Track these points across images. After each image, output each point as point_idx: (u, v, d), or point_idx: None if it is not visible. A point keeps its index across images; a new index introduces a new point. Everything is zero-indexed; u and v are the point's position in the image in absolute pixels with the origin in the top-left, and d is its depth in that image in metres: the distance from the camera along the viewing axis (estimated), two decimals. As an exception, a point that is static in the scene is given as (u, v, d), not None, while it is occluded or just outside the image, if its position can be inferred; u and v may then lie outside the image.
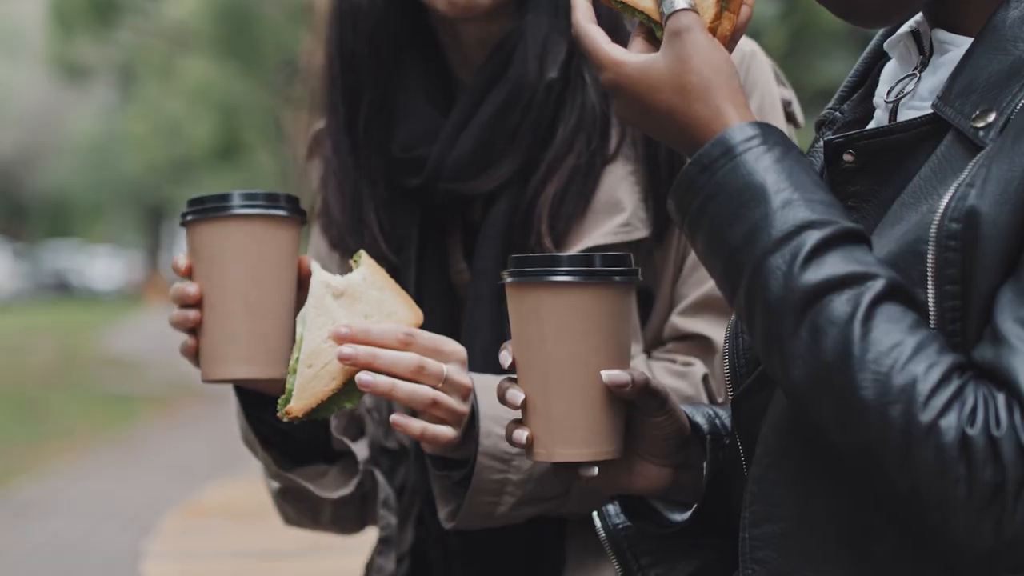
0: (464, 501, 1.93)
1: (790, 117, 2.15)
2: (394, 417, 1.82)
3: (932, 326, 1.36)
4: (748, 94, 2.07)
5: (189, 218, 1.92)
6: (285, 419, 1.78)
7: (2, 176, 45.86)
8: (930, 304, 1.37)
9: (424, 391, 1.78)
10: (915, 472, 1.30)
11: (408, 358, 1.77)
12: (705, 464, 1.66)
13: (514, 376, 1.64)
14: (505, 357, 1.64)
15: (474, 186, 2.08)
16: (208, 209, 1.91)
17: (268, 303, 1.91)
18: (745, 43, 2.13)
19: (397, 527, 2.15)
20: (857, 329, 1.34)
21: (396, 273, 1.95)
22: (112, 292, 48.08)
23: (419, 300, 1.93)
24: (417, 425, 1.81)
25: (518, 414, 1.66)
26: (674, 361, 2.04)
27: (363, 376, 1.75)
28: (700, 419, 1.68)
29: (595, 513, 1.75)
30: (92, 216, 52.21)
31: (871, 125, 1.58)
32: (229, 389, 2.11)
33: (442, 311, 2.12)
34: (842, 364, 1.34)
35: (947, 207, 1.36)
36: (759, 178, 1.41)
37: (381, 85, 2.14)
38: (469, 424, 1.88)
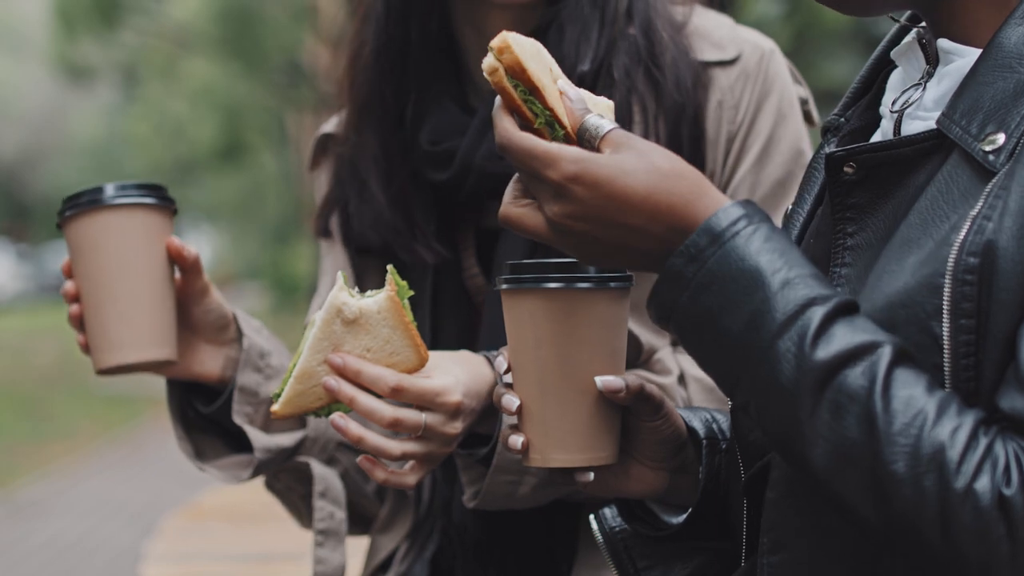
0: (484, 482, 1.93)
1: (807, 116, 2.15)
2: (360, 460, 1.80)
3: (946, 359, 1.36)
4: (767, 92, 2.08)
5: (64, 215, 1.99)
6: (272, 415, 1.78)
7: (5, 177, 45.91)
8: (944, 338, 1.36)
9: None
10: (956, 537, 1.30)
11: (384, 410, 1.75)
12: (701, 469, 1.65)
13: (511, 382, 1.63)
14: (501, 363, 1.63)
15: (507, 167, 2.07)
16: (70, 206, 1.98)
17: (132, 290, 1.96)
18: (763, 41, 2.13)
19: (344, 521, 2.13)
20: (878, 402, 1.32)
21: (424, 278, 1.95)
22: (115, 293, 48.06)
23: (436, 305, 1.93)
24: (380, 475, 1.80)
25: None
26: None
27: (329, 381, 1.74)
28: (697, 424, 1.67)
29: (592, 516, 1.75)
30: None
31: (876, 135, 1.57)
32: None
33: (459, 316, 2.12)
34: (869, 439, 1.32)
35: (964, 240, 1.36)
36: (752, 262, 1.38)
37: (423, 81, 2.14)
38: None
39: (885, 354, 1.34)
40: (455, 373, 1.83)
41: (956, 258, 1.35)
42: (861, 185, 1.48)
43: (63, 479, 11.62)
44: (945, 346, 1.35)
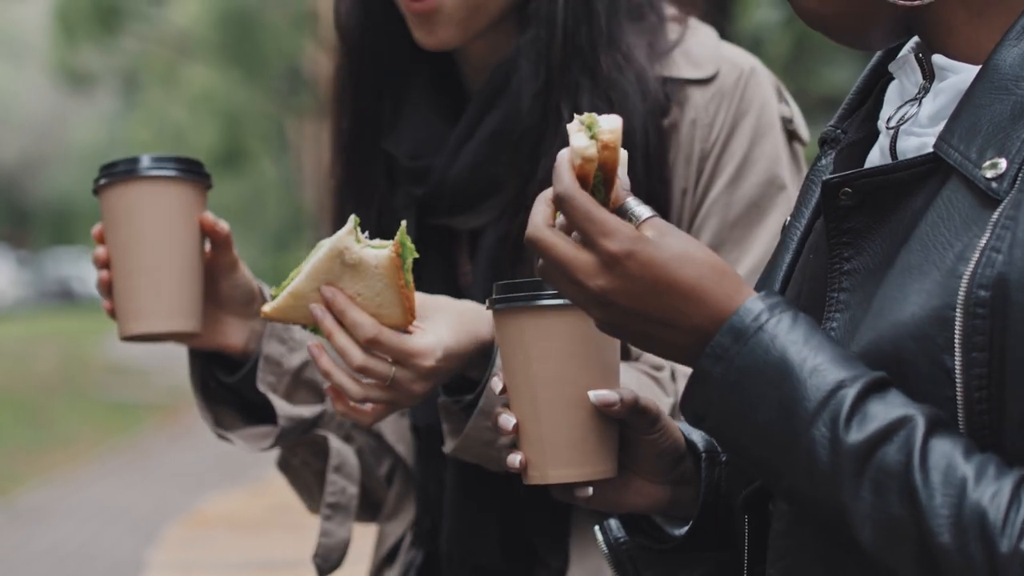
0: (466, 426, 1.94)
1: (791, 135, 2.13)
2: (326, 387, 1.88)
3: (959, 393, 1.36)
4: (743, 112, 2.08)
5: (100, 183, 2.02)
6: (261, 314, 1.87)
7: (6, 183, 45.93)
8: (957, 371, 1.35)
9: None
10: None
11: (355, 354, 1.82)
12: (701, 482, 1.65)
13: (507, 402, 1.64)
14: (496, 383, 1.64)
15: (467, 219, 2.12)
16: (106, 175, 2.01)
17: (164, 261, 2.00)
18: (744, 60, 2.12)
19: (356, 497, 2.15)
20: (917, 475, 1.33)
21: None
22: (116, 299, 48.08)
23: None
24: (340, 407, 1.88)
25: None
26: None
27: (315, 308, 1.82)
28: (696, 437, 1.67)
29: (597, 528, 1.75)
30: (96, 223, 52.17)
31: (873, 150, 1.56)
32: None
33: None
34: (913, 514, 1.33)
35: (974, 273, 1.35)
36: (778, 355, 1.39)
37: (392, 95, 2.17)
38: (485, 350, 1.91)
39: (919, 426, 1.34)
40: (440, 334, 1.87)
41: (967, 291, 1.35)
42: (858, 210, 1.47)
43: (64, 486, 11.62)
44: (958, 380, 1.35)
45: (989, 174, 1.38)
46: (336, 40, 2.22)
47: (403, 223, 1.81)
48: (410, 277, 1.81)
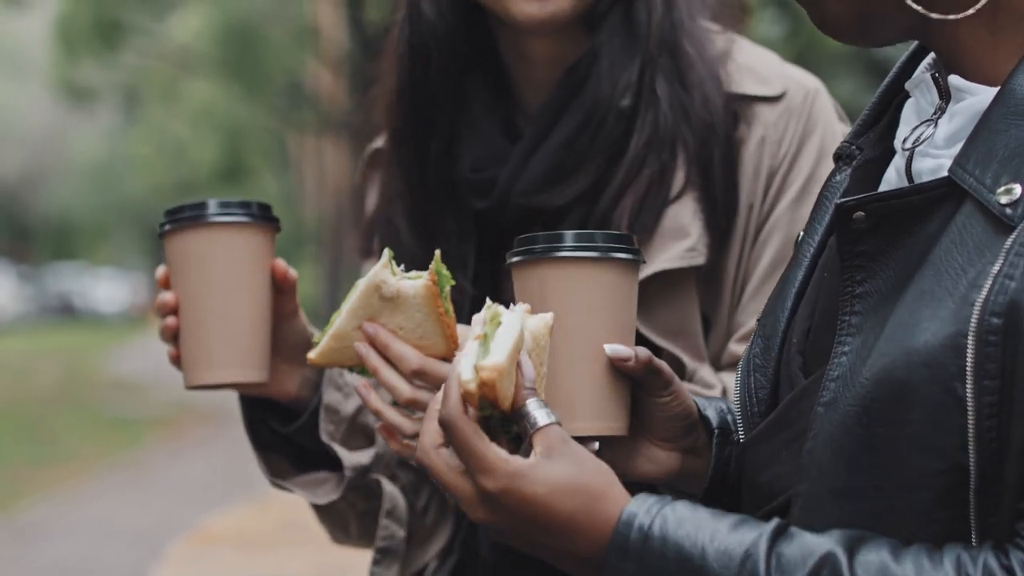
0: None
1: None
2: (378, 427, 1.87)
3: (970, 420, 1.35)
4: (810, 130, 2.10)
5: (165, 228, 1.97)
6: (308, 361, 1.85)
7: (7, 198, 45.94)
8: (968, 399, 1.35)
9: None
10: None
11: (404, 387, 1.81)
12: (711, 459, 1.67)
13: None
14: None
15: (546, 199, 2.10)
16: (177, 219, 1.96)
17: (236, 309, 1.95)
18: (809, 80, 2.15)
19: (404, 540, 2.16)
20: None
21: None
22: (116, 314, 48.13)
23: None
24: (395, 445, 1.87)
25: None
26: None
27: (359, 346, 1.81)
28: (711, 412, 1.69)
29: None
30: (96, 238, 52.30)
31: (889, 170, 1.56)
32: (236, 411, 2.13)
33: None
34: None
35: (986, 300, 1.35)
36: (673, 552, 1.40)
37: (451, 112, 2.16)
38: None
39: (840, 556, 1.35)
40: None
41: (979, 318, 1.35)
42: (871, 233, 1.47)
43: (65, 501, 11.60)
44: (969, 407, 1.35)
45: (1004, 200, 1.38)
46: (402, 50, 2.17)
47: (437, 252, 1.80)
48: (449, 305, 1.80)
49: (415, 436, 1.84)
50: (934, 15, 1.46)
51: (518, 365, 1.50)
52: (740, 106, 2.10)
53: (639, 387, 1.64)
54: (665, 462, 1.68)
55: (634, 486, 1.73)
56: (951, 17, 1.46)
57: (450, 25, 2.13)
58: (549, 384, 1.62)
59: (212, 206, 1.95)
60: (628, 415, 1.65)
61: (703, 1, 2.16)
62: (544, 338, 1.56)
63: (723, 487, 1.67)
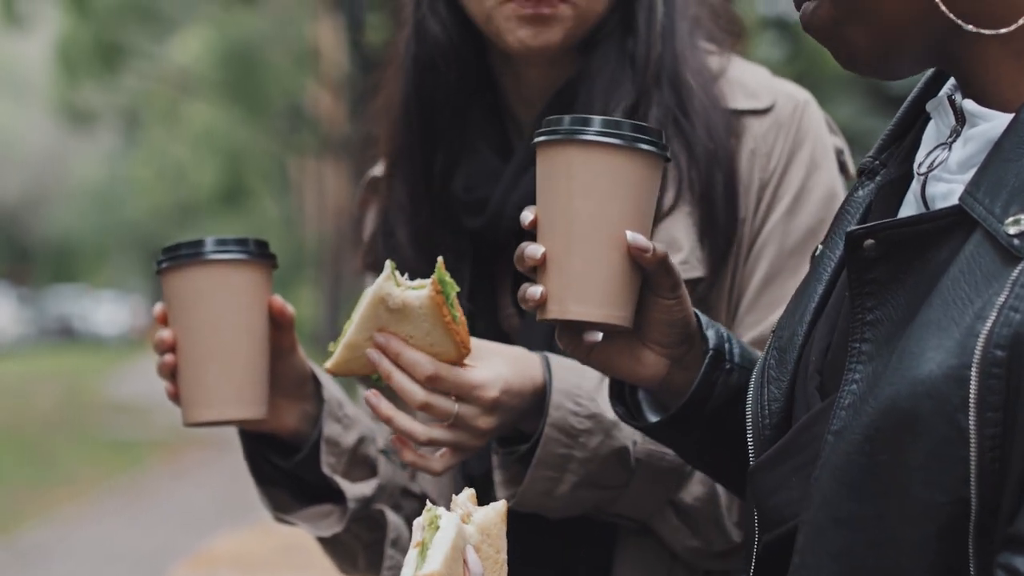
0: (525, 477, 1.94)
1: (842, 166, 2.15)
2: (391, 439, 1.88)
3: (972, 453, 1.34)
4: (800, 142, 2.10)
5: (162, 266, 1.98)
6: (325, 370, 1.87)
7: (7, 221, 45.97)
8: (971, 431, 1.34)
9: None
10: None
11: (416, 391, 1.83)
12: (700, 373, 1.69)
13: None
14: (527, 216, 1.68)
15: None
16: (174, 257, 1.97)
17: (234, 346, 1.96)
18: (798, 92, 2.15)
19: None
20: None
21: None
22: (116, 337, 48.09)
23: None
24: (409, 456, 1.88)
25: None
26: None
27: (372, 353, 1.83)
28: (711, 333, 1.71)
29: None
30: (97, 261, 52.31)
31: (908, 197, 1.55)
32: (236, 435, 2.13)
33: None
34: None
35: (991, 332, 1.34)
36: None
37: (456, 128, 2.17)
38: (539, 398, 1.92)
39: None
40: (498, 369, 1.88)
41: (983, 350, 1.33)
42: (881, 261, 1.46)
43: (65, 524, 11.59)
44: (972, 439, 1.33)
45: (1012, 230, 1.37)
46: (408, 66, 2.18)
47: (440, 259, 1.82)
48: (457, 312, 1.82)
49: (428, 443, 1.86)
50: (970, 27, 1.45)
51: (464, 563, 1.50)
52: (731, 120, 2.10)
53: (648, 285, 1.67)
54: (653, 366, 1.71)
55: (617, 382, 1.78)
56: (987, 32, 1.45)
57: (455, 43, 2.14)
58: (563, 267, 1.64)
59: (209, 244, 1.96)
60: (634, 308, 1.67)
61: (700, 22, 2.16)
62: (497, 527, 1.55)
63: (700, 409, 1.70)
